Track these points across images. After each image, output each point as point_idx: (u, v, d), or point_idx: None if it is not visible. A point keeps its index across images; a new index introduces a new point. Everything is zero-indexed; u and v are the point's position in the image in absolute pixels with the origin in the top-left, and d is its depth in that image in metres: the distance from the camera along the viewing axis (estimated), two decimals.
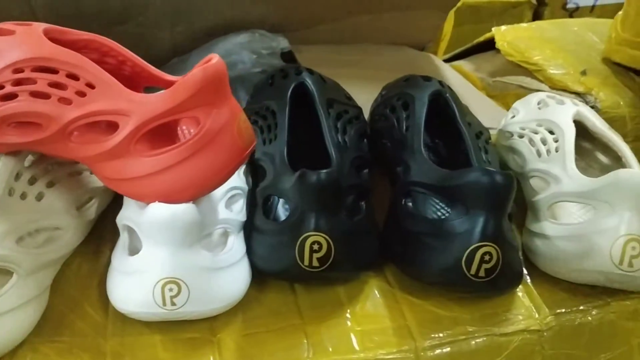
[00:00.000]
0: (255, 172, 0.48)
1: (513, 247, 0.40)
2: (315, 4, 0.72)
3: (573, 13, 1.64)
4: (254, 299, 0.42)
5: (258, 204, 0.45)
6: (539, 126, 0.53)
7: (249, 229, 0.44)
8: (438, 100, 0.51)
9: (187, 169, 0.36)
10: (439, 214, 0.43)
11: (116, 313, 0.39)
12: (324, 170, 0.39)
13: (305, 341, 0.40)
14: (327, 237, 0.39)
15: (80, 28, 0.63)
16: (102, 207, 0.47)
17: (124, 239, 0.41)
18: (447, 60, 1.04)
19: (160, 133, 0.39)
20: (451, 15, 0.86)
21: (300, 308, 0.42)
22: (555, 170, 0.47)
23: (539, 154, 0.50)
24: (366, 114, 0.58)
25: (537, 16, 1.58)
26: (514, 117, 0.58)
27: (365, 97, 0.62)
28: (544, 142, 0.51)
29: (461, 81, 0.77)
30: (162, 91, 0.37)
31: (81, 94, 0.36)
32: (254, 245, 0.43)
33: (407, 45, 0.82)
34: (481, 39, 0.96)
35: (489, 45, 0.93)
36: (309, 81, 0.50)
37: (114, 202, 0.47)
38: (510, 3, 1.52)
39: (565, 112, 0.52)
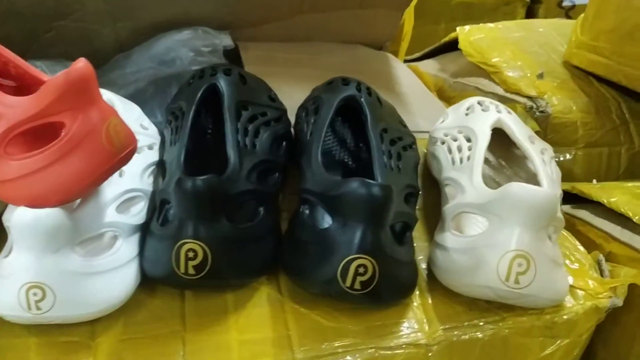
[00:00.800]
0: (162, 171, 0.48)
1: (396, 259, 0.39)
2: (264, 2, 0.71)
3: (569, 11, 1.60)
4: (140, 303, 0.42)
5: (156, 208, 0.44)
6: (459, 133, 0.51)
7: (145, 233, 0.44)
8: (353, 105, 0.50)
9: (53, 174, 0.36)
10: (329, 221, 0.42)
11: None
12: (202, 177, 0.38)
13: (181, 349, 0.39)
14: (203, 244, 0.38)
15: (18, 24, 0.63)
16: (1, 208, 0.46)
17: (9, 240, 0.41)
18: (416, 59, 1.02)
19: (43, 135, 0.39)
20: (410, 14, 0.84)
21: (185, 314, 0.41)
22: (462, 179, 0.46)
23: (453, 161, 0.49)
24: None
25: (530, 14, 1.55)
26: (443, 122, 0.57)
27: (303, 97, 0.61)
28: (459, 149, 0.49)
29: (412, 81, 0.76)
30: (32, 95, 0.36)
31: None
32: (145, 248, 0.43)
33: (362, 44, 0.81)
34: (447, 38, 0.95)
35: (456, 44, 0.92)
36: (221, 82, 0.49)
37: None
38: (502, 0, 1.50)
39: (484, 120, 0.50)
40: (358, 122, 0.51)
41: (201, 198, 0.38)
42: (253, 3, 0.71)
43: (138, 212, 0.45)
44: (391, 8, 0.77)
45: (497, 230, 0.39)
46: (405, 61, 0.98)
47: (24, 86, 0.43)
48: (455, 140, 0.51)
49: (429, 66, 0.96)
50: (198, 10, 0.69)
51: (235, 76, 0.51)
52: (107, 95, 0.53)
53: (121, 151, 0.38)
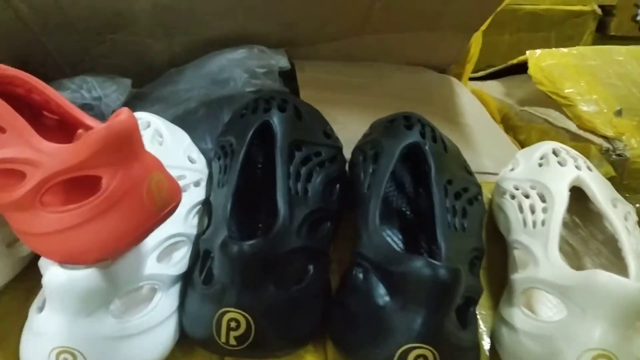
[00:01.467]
0: (208, 214, 0.45)
1: (460, 347, 0.35)
2: (322, 22, 0.67)
3: None
4: None
5: (199, 255, 0.41)
6: (532, 189, 0.46)
7: (186, 281, 0.41)
8: (415, 152, 0.45)
9: (89, 232, 0.33)
10: (385, 298, 0.38)
11: None
12: (249, 242, 0.35)
13: None
14: (247, 315, 0.35)
15: (71, 36, 0.62)
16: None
17: (43, 290, 0.38)
18: (479, 79, 0.97)
19: (82, 182, 0.36)
20: (478, 36, 0.79)
21: None
22: (536, 248, 0.41)
23: (525, 223, 0.44)
24: None
25: (601, 27, 1.47)
26: (512, 170, 0.52)
27: (359, 129, 0.58)
28: (532, 210, 0.44)
29: (477, 112, 0.71)
30: (71, 144, 0.33)
31: None
32: (185, 301, 0.40)
33: (425, 66, 0.76)
34: (515, 61, 0.89)
35: (525, 66, 0.86)
36: (274, 121, 0.46)
37: None
38: (572, 12, 1.42)
39: (562, 178, 0.45)
40: (419, 166, 0.47)
41: (247, 265, 0.35)
42: (314, 22, 0.67)
43: (180, 260, 0.42)
44: (460, 31, 0.72)
45: (577, 323, 0.35)
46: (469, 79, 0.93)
47: (65, 123, 0.40)
48: (527, 196, 0.46)
49: (494, 89, 0.90)
50: (255, 27, 0.66)
51: (290, 112, 0.47)
52: (155, 123, 0.50)
53: (163, 209, 0.34)
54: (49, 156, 0.33)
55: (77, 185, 0.35)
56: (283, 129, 0.45)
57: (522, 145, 0.76)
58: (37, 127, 0.36)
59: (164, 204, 0.34)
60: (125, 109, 0.32)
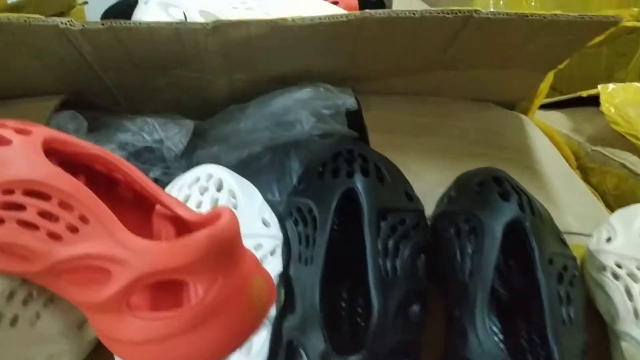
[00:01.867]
0: (288, 290, 0.41)
1: None
2: (394, 60, 0.63)
3: None
4: None
5: (282, 343, 0.38)
6: (639, 270, 0.42)
7: None
8: (515, 228, 0.41)
9: (183, 343, 0.30)
10: None
11: None
12: (353, 357, 0.31)
13: None
14: None
15: (133, 73, 0.59)
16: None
17: None
18: (541, 107, 0.92)
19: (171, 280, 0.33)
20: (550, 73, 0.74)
21: None
22: None
23: (635, 313, 0.40)
24: (433, 202, 0.49)
25: None
26: (609, 240, 0.47)
27: (434, 179, 0.54)
28: None
29: (552, 156, 0.67)
30: (163, 242, 0.30)
31: (73, 229, 0.31)
32: None
33: (494, 102, 0.72)
34: (584, 94, 0.85)
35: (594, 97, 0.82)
36: (359, 188, 0.42)
37: None
38: (625, 28, 1.36)
39: None
40: (516, 239, 0.43)
41: None
42: (385, 60, 0.63)
43: (260, 349, 0.38)
44: (536, 70, 0.67)
45: None
46: None
47: (141, 199, 0.37)
48: (635, 280, 0.42)
49: (559, 122, 0.86)
50: (322, 64, 0.62)
51: (373, 175, 0.44)
52: (228, 182, 0.47)
53: (262, 315, 0.31)
54: (138, 255, 0.30)
55: (164, 283, 0.32)
56: (369, 198, 0.42)
57: (596, 189, 0.72)
58: (113, 201, 0.33)
59: (264, 308, 0.31)
60: (227, 210, 0.29)
